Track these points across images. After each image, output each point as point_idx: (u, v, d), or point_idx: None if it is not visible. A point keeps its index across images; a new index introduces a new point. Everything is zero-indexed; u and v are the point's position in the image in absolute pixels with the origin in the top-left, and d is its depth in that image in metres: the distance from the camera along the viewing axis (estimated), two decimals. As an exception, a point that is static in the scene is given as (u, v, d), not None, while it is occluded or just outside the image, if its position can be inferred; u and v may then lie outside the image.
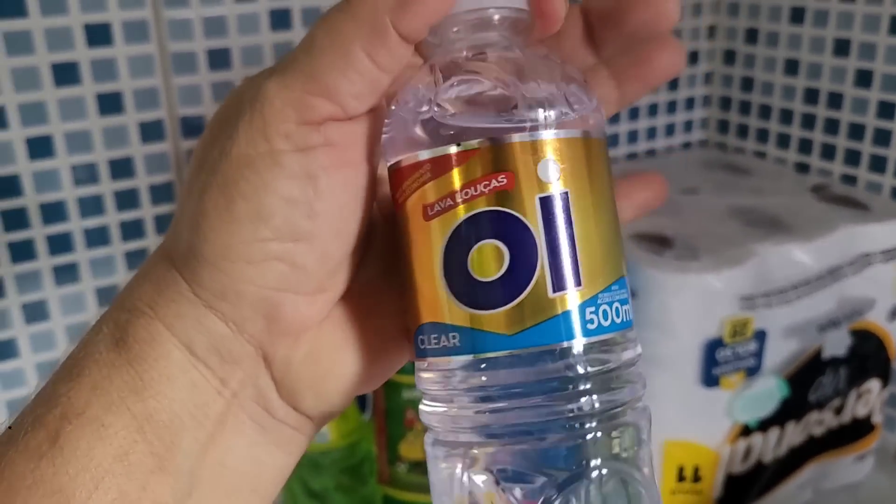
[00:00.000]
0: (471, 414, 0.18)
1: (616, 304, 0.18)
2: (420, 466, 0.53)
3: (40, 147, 0.46)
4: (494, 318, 0.17)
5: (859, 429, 0.57)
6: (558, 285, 0.17)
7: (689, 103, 0.70)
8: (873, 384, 0.55)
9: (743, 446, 0.51)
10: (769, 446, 0.52)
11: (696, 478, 0.50)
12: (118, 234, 0.49)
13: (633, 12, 0.20)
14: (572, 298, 0.18)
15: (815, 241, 0.49)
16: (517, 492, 0.17)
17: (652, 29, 0.20)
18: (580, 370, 0.18)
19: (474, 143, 0.17)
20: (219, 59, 0.49)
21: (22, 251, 0.47)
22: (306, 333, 0.19)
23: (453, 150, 0.17)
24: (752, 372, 0.48)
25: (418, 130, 0.18)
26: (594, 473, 0.17)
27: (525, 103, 0.18)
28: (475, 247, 0.17)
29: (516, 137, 0.17)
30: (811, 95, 0.62)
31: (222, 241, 0.17)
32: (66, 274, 0.49)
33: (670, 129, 0.70)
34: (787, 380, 0.50)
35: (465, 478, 0.18)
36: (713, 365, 0.47)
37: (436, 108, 0.18)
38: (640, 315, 0.48)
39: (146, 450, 0.17)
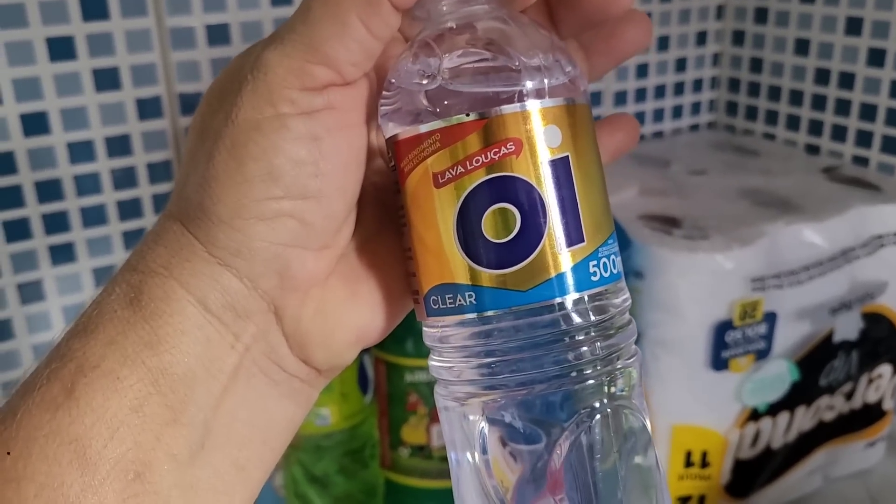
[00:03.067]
0: (485, 366, 0.19)
1: (612, 257, 0.20)
2: (422, 451, 0.52)
3: (35, 123, 0.45)
4: (510, 277, 0.18)
5: (870, 414, 0.56)
6: (566, 242, 0.19)
7: (698, 85, 0.69)
8: (885, 369, 0.54)
9: (752, 431, 0.50)
10: (778, 431, 0.51)
11: (705, 463, 0.49)
12: (115, 212, 0.48)
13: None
14: (578, 253, 0.19)
15: (827, 222, 0.48)
16: (531, 433, 0.19)
17: (604, 12, 0.21)
18: (592, 317, 0.19)
19: (482, 112, 0.18)
20: (218, 34, 0.48)
21: (17, 230, 0.46)
22: (314, 289, 0.20)
23: (463, 119, 0.18)
24: (762, 355, 0.47)
25: (424, 101, 0.19)
26: (603, 410, 0.19)
27: (527, 73, 0.19)
28: (488, 211, 0.18)
29: (522, 106, 0.18)
30: (822, 76, 0.61)
31: (235, 201, 0.18)
32: (62, 253, 0.48)
33: (678, 111, 0.69)
34: (797, 363, 0.49)
35: (480, 426, 0.19)
36: (722, 347, 0.46)
37: (442, 80, 0.19)
38: (647, 296, 0.47)
39: (161, 402, 0.18)
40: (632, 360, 0.20)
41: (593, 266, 0.19)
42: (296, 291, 0.20)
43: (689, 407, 0.48)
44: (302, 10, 0.19)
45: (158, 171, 0.49)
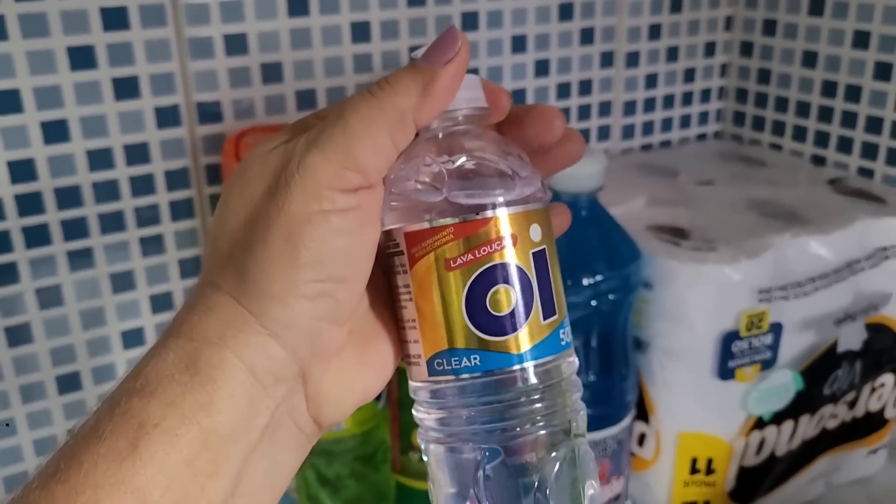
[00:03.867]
0: (475, 416, 0.23)
1: (568, 328, 0.24)
2: (432, 455, 0.53)
3: (55, 131, 0.46)
4: (505, 343, 0.23)
5: (873, 423, 0.56)
6: (547, 314, 0.23)
7: (705, 95, 0.69)
8: (887, 378, 0.55)
9: (757, 439, 0.50)
10: (783, 439, 0.52)
11: (710, 470, 0.50)
12: (133, 219, 0.49)
13: (528, 124, 0.25)
14: (553, 324, 0.24)
15: (833, 235, 0.49)
16: (506, 466, 0.23)
17: (542, 139, 0.25)
18: (562, 373, 0.24)
19: (488, 213, 0.23)
20: (235, 44, 0.49)
21: (37, 236, 0.47)
22: (333, 357, 0.23)
23: (473, 217, 0.23)
24: (768, 365, 0.48)
25: (438, 204, 0.23)
26: (570, 447, 0.24)
27: (519, 181, 0.23)
28: (492, 290, 0.23)
29: (517, 209, 0.23)
30: (829, 88, 0.62)
31: (289, 281, 0.22)
32: (80, 259, 0.48)
33: (686, 121, 0.69)
34: (801, 373, 0.50)
35: (461, 463, 0.24)
36: (729, 357, 0.47)
37: (450, 187, 0.23)
38: (656, 306, 0.48)
39: (208, 457, 0.21)
40: (582, 409, 0.25)
41: (563, 333, 0.24)
42: (321, 359, 0.23)
43: (696, 415, 0.49)
44: (339, 120, 0.22)
45: (176, 179, 0.50)
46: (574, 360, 0.25)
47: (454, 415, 0.24)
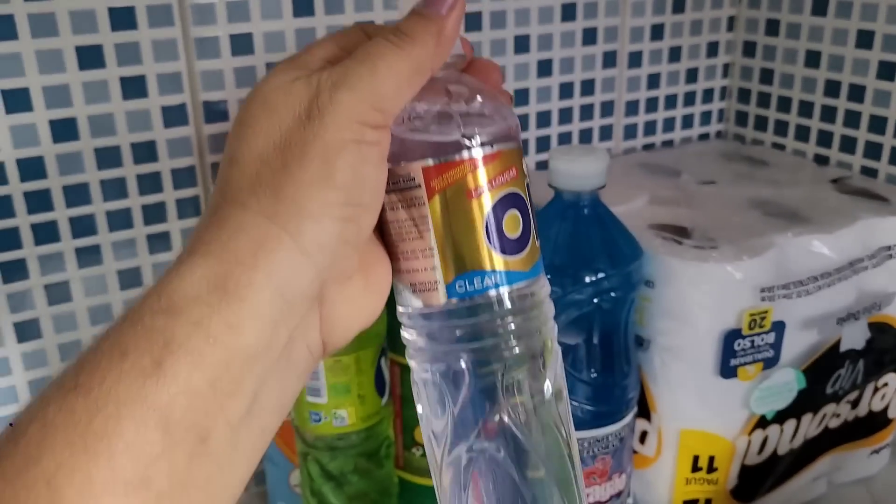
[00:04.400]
0: (483, 332, 0.26)
1: None
2: (435, 452, 0.53)
3: (64, 129, 0.46)
4: (518, 261, 0.26)
5: (875, 422, 0.57)
6: (537, 237, 0.27)
7: (708, 95, 0.69)
8: (890, 378, 0.55)
9: (759, 437, 0.51)
10: (785, 438, 0.52)
11: (712, 468, 0.50)
12: (140, 217, 0.50)
13: (474, 73, 0.28)
14: (539, 246, 0.27)
15: (835, 233, 0.49)
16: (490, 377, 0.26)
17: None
18: (545, 290, 0.28)
19: (499, 146, 0.26)
20: (242, 44, 0.50)
21: (46, 232, 0.47)
22: (346, 281, 0.25)
23: (489, 151, 0.26)
24: (770, 363, 0.48)
25: (456, 139, 0.25)
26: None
27: (514, 120, 0.27)
28: (506, 215, 0.26)
29: (514, 145, 0.26)
30: (832, 87, 0.62)
31: (325, 202, 0.23)
32: (88, 256, 0.49)
33: (688, 121, 0.70)
34: (804, 372, 0.50)
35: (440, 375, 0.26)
36: (731, 356, 0.47)
37: (466, 122, 0.25)
38: (658, 304, 0.48)
39: (230, 377, 0.21)
40: (553, 324, 0.28)
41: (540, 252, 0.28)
42: (338, 282, 0.24)
43: (698, 413, 0.49)
44: (367, 63, 0.24)
45: (183, 177, 0.50)
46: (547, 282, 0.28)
47: (449, 335, 0.26)
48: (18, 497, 0.19)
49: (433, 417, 0.27)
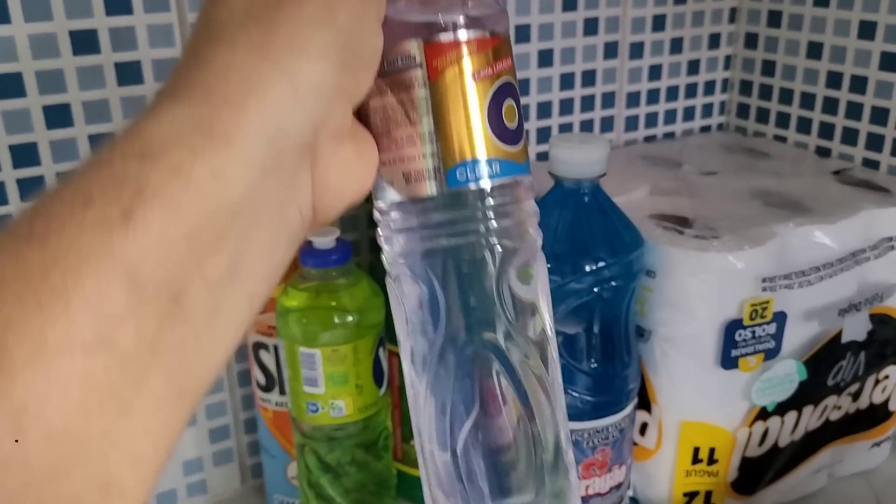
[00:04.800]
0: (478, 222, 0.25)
1: None
2: (434, 444, 0.53)
3: (58, 116, 0.46)
4: (517, 153, 0.25)
5: (877, 415, 0.56)
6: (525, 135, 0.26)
7: (710, 87, 0.69)
8: (892, 370, 0.55)
9: (760, 429, 0.50)
10: (786, 430, 0.51)
11: (712, 460, 0.50)
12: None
13: None
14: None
15: (837, 224, 0.49)
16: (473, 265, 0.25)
17: None
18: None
19: (500, 33, 0.25)
20: None
21: (30, 185, 0.47)
22: (340, 140, 0.23)
23: (491, 35, 0.25)
24: (771, 354, 0.48)
25: (461, 18, 0.24)
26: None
27: (505, 11, 0.26)
28: (505, 103, 0.25)
29: (506, 34, 0.25)
30: (834, 79, 0.61)
31: (325, 43, 0.21)
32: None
33: (689, 113, 0.69)
34: (805, 363, 0.50)
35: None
36: (732, 346, 0.47)
37: (472, 4, 0.24)
38: (658, 294, 0.48)
39: (211, 233, 0.19)
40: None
41: None
42: (332, 140, 0.22)
43: (698, 404, 0.49)
44: None
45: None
46: None
47: (436, 229, 0.25)
48: None
49: (417, 334, 0.26)
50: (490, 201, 0.25)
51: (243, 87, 0.20)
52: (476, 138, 0.24)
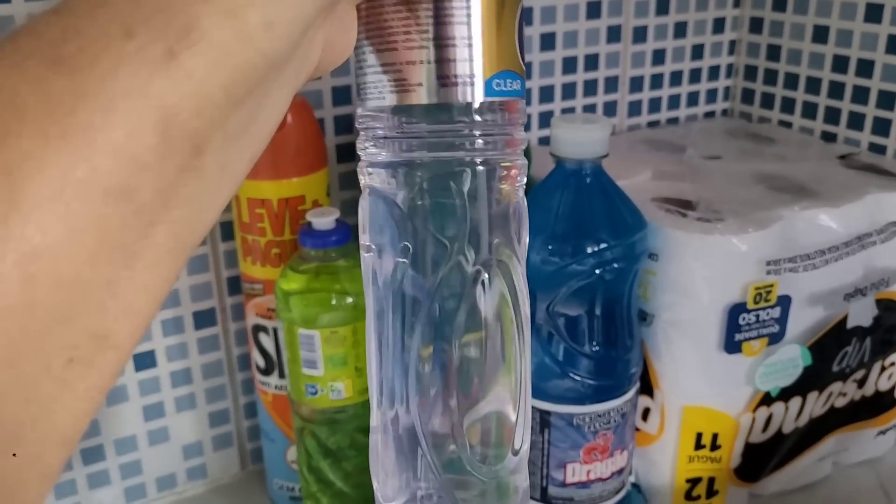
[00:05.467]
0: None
1: None
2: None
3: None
4: (522, 70, 0.24)
5: (882, 402, 0.56)
6: None
7: (714, 72, 0.68)
8: (898, 357, 0.54)
9: (763, 415, 0.50)
10: (790, 416, 0.51)
11: (715, 445, 0.49)
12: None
13: None
14: None
15: (843, 208, 0.48)
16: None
17: None
18: None
19: None
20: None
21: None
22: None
23: None
24: (775, 339, 0.47)
25: None
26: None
27: None
28: (521, 21, 0.24)
29: None
30: (840, 63, 0.61)
31: None
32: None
33: (693, 98, 0.69)
34: (810, 348, 0.49)
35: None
36: (735, 330, 0.46)
37: None
38: (661, 278, 0.47)
39: (245, 86, 0.18)
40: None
41: None
42: None
43: (701, 389, 0.48)
44: None
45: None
46: None
47: (430, 138, 0.23)
48: None
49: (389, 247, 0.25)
50: (499, 117, 0.24)
51: None
52: (512, 50, 0.23)
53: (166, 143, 0.16)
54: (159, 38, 0.16)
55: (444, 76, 0.23)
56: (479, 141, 0.23)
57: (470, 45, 0.23)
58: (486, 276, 0.24)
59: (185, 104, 0.17)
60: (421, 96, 0.23)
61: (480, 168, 0.24)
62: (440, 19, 0.22)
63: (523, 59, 0.24)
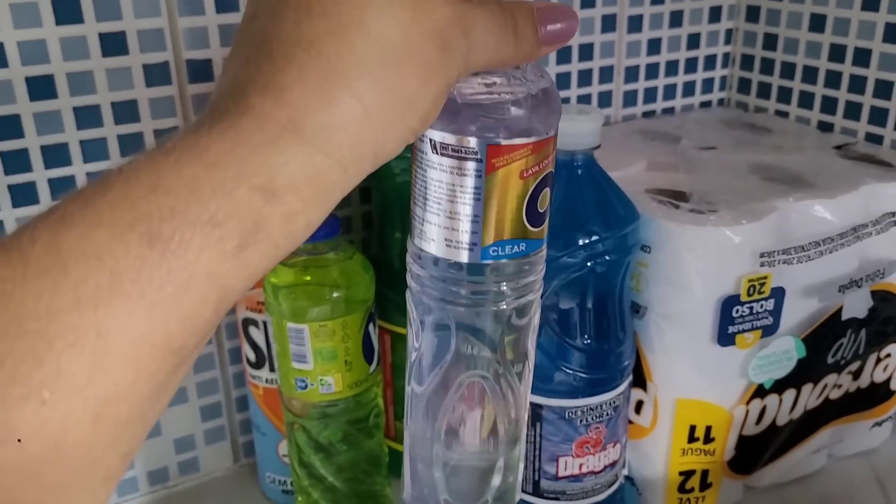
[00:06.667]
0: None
1: None
2: (426, 422, 0.52)
3: (41, 87, 0.45)
4: (539, 231, 0.29)
5: (878, 394, 0.55)
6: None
7: (710, 61, 0.68)
8: (893, 349, 0.54)
9: (757, 407, 0.49)
10: (784, 408, 0.51)
11: (709, 438, 0.49)
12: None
13: None
14: None
15: (838, 199, 0.48)
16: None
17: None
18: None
19: (553, 131, 0.28)
20: (225, 1, 0.48)
21: (23, 194, 0.46)
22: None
23: (544, 137, 0.27)
24: (769, 331, 0.47)
25: (524, 123, 0.26)
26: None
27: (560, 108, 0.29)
28: (541, 193, 0.28)
29: (556, 131, 0.28)
30: (837, 52, 0.60)
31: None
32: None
33: (689, 88, 0.68)
34: (804, 340, 0.49)
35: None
36: (729, 322, 0.46)
37: (534, 107, 0.27)
38: (654, 270, 0.47)
39: (276, 259, 0.21)
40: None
41: None
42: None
43: (694, 382, 0.48)
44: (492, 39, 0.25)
45: (165, 138, 0.49)
46: None
47: (454, 286, 0.29)
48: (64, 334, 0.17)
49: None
50: (509, 269, 0.29)
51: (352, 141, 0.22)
52: (513, 224, 0.28)
53: (217, 315, 0.20)
54: (235, 235, 0.19)
55: (449, 240, 0.28)
56: (494, 289, 0.29)
57: (469, 221, 0.27)
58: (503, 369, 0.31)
59: (240, 286, 0.20)
60: (433, 250, 0.28)
61: (501, 308, 0.29)
62: (451, 197, 0.27)
63: (539, 224, 0.28)
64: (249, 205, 0.19)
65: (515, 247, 0.28)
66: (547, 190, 0.28)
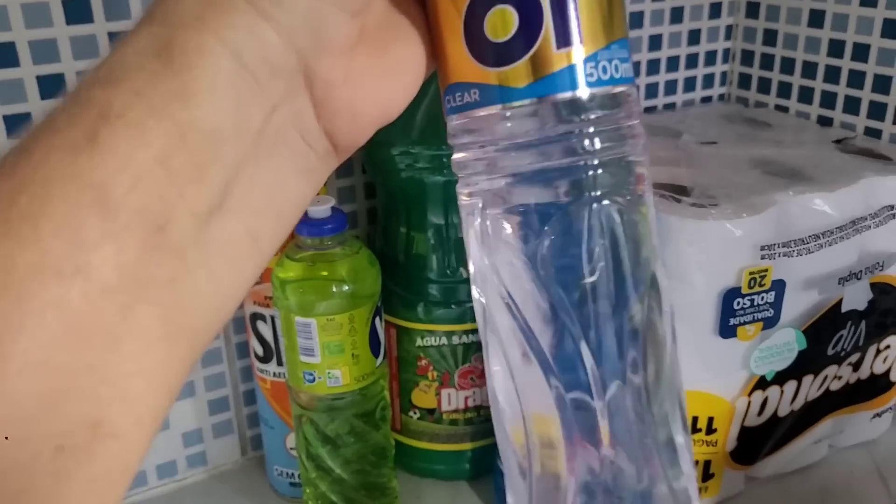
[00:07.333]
0: (489, 159, 0.21)
1: (616, 62, 0.21)
2: (431, 414, 0.53)
3: (52, 85, 0.46)
4: (508, 74, 0.20)
5: (878, 385, 0.56)
6: (563, 42, 0.20)
7: (711, 57, 0.68)
8: (893, 340, 0.55)
9: (759, 399, 0.50)
10: (785, 400, 0.51)
11: (711, 429, 0.50)
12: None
13: None
14: (576, 54, 0.20)
15: (838, 192, 0.48)
16: (525, 219, 0.21)
17: None
18: (583, 116, 0.20)
19: None
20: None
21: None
22: (343, 55, 0.20)
23: None
24: (770, 323, 0.48)
25: None
26: (592, 202, 0.21)
27: None
28: (490, 12, 0.20)
29: None
30: (836, 47, 0.61)
31: None
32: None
33: (690, 84, 0.68)
34: (804, 332, 0.49)
35: (484, 214, 0.21)
36: (730, 315, 0.46)
37: None
38: (656, 263, 0.47)
39: (187, 158, 0.18)
40: (635, 166, 0.22)
41: (591, 67, 0.20)
42: (328, 55, 0.20)
43: (696, 373, 0.49)
44: None
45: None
46: (623, 108, 0.21)
47: (471, 158, 0.22)
48: None
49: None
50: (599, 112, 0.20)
51: (198, 9, 0.18)
52: (455, 60, 0.21)
53: (111, 219, 0.17)
54: (78, 125, 0.17)
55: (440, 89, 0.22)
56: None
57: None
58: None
59: (118, 180, 0.17)
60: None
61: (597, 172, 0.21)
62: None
63: (485, 63, 0.21)
64: (88, 98, 0.18)
65: (466, 95, 0.21)
66: (501, 9, 0.20)
